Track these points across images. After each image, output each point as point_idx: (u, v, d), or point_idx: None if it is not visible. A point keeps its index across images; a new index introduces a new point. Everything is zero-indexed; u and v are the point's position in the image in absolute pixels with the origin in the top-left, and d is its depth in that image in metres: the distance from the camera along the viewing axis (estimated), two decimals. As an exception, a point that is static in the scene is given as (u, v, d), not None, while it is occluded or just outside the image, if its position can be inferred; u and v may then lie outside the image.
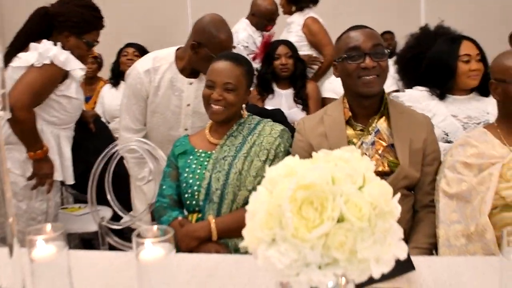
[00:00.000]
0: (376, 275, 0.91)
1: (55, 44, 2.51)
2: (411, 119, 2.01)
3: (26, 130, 2.47)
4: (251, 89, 2.30)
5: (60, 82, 2.55)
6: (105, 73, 4.95)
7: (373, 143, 1.95)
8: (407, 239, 1.83)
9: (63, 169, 2.69)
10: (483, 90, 2.55)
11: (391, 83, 3.48)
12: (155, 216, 2.11)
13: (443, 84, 2.58)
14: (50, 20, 2.60)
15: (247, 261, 1.54)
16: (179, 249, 1.85)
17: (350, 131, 1.99)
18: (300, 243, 0.89)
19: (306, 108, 3.70)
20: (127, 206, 2.59)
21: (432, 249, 1.90)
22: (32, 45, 2.51)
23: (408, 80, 3.16)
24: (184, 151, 2.12)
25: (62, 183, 2.79)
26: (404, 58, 3.08)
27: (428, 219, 1.93)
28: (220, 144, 2.07)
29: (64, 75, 2.54)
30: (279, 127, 2.11)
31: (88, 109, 3.90)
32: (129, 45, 4.60)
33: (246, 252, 1.89)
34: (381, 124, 1.98)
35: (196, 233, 1.93)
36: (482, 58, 2.54)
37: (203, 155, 2.08)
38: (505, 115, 1.92)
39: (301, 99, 3.71)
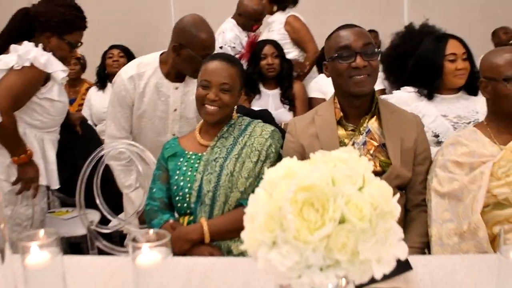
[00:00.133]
0: (378, 276, 0.91)
1: (36, 46, 2.47)
2: (401, 118, 2.01)
3: (7, 135, 2.43)
4: None
5: (41, 84, 2.51)
6: (88, 74, 4.91)
7: (364, 143, 1.95)
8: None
9: (48, 173, 2.65)
10: (470, 89, 2.57)
11: (377, 82, 3.49)
12: (146, 220, 2.09)
13: (430, 84, 2.59)
14: (31, 20, 2.56)
15: (242, 264, 1.54)
16: (171, 252, 1.83)
17: (341, 131, 1.99)
18: (302, 245, 0.88)
19: (293, 108, 3.69)
20: (114, 209, 2.56)
21: (424, 248, 1.91)
22: (13, 47, 2.47)
23: (394, 79, 3.17)
24: (174, 153, 2.10)
25: (49, 187, 2.75)
26: (389, 57, 3.09)
27: (420, 218, 1.94)
28: (211, 146, 2.05)
29: (45, 77, 2.50)
30: (269, 128, 2.10)
31: (74, 112, 3.86)
32: (113, 46, 4.58)
33: (239, 254, 1.90)
34: (372, 124, 1.98)
35: (188, 235, 1.91)
36: (469, 57, 2.56)
37: (193, 157, 2.06)
38: (494, 114, 1.93)
39: (287, 99, 3.70)
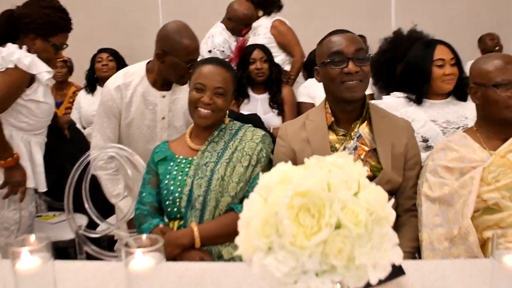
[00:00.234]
0: (373, 281, 0.91)
1: (20, 47, 2.45)
2: (392, 123, 2.02)
3: None
4: None
5: (26, 86, 2.48)
6: (76, 78, 4.87)
7: (355, 148, 1.95)
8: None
9: (35, 176, 2.62)
10: (459, 94, 2.59)
11: (366, 87, 3.51)
12: (135, 224, 2.07)
13: (418, 89, 2.61)
14: (15, 22, 2.53)
15: (233, 269, 1.53)
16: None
17: (332, 136, 1.98)
18: (298, 251, 0.88)
19: (281, 113, 3.68)
20: (102, 214, 2.54)
21: (415, 252, 1.91)
22: None
23: (383, 84, 3.19)
24: (164, 157, 2.09)
25: (36, 191, 2.72)
26: (377, 62, 3.10)
27: (410, 223, 1.94)
28: (202, 150, 2.04)
29: (30, 79, 2.47)
30: (260, 132, 2.09)
31: (62, 115, 3.83)
32: (102, 50, 4.55)
33: (230, 259, 1.89)
34: (363, 129, 1.98)
35: (178, 240, 1.90)
36: (457, 63, 2.57)
37: (184, 161, 2.05)
38: (484, 119, 1.94)
39: (276, 103, 3.69)
